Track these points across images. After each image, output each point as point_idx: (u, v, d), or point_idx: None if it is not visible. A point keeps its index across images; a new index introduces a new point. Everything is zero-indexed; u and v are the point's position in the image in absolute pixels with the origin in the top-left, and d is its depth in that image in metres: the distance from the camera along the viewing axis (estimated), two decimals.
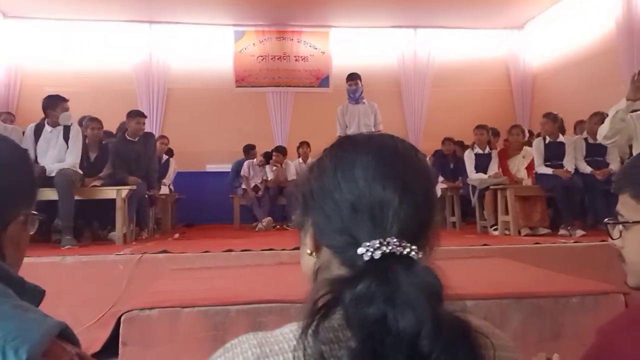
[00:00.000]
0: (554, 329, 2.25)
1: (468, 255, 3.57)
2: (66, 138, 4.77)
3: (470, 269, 3.13)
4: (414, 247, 0.60)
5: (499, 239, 4.68)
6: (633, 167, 1.00)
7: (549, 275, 2.82)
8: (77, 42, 8.83)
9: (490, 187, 5.62)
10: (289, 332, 0.64)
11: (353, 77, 5.94)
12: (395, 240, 0.60)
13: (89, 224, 5.18)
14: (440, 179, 7.09)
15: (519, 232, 5.08)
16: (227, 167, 8.84)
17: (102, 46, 8.90)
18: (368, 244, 0.60)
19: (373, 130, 5.87)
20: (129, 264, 3.36)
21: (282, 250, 3.60)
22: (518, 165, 5.97)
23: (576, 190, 5.04)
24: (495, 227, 5.52)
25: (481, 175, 5.84)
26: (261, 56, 9.19)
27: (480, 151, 6.03)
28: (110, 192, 4.73)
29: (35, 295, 0.84)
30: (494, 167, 5.89)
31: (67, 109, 4.82)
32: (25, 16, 8.53)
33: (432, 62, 9.35)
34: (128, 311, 2.19)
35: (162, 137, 7.67)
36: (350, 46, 9.31)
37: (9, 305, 0.73)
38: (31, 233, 0.94)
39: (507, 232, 5.25)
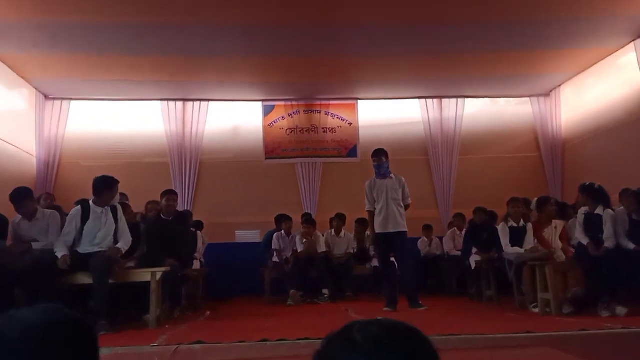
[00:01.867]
0: None
1: (513, 344, 3.44)
2: (115, 218, 4.88)
3: None
4: None
5: (541, 321, 4.51)
6: None
7: None
8: (113, 120, 9.20)
9: (528, 262, 5.48)
10: None
11: (377, 154, 5.99)
12: None
13: (123, 307, 5.19)
14: (474, 250, 6.97)
15: (560, 308, 4.92)
16: (256, 237, 8.89)
17: (136, 122, 9.25)
18: None
19: (402, 204, 5.86)
20: (164, 357, 3.32)
21: (318, 339, 3.52)
22: (551, 236, 5.83)
23: (612, 266, 4.84)
24: (535, 304, 5.34)
25: (517, 250, 5.71)
26: (290, 128, 9.41)
27: (515, 224, 5.93)
28: (145, 275, 4.77)
29: None
30: (530, 240, 5.77)
31: (118, 191, 4.99)
32: (65, 97, 8.96)
33: (459, 130, 9.42)
34: None
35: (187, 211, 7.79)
36: (377, 116, 9.48)
37: None
38: None
39: (547, 310, 5.07)
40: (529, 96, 9.61)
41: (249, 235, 9.15)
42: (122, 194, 6.09)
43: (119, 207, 5.04)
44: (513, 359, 3.12)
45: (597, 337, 3.50)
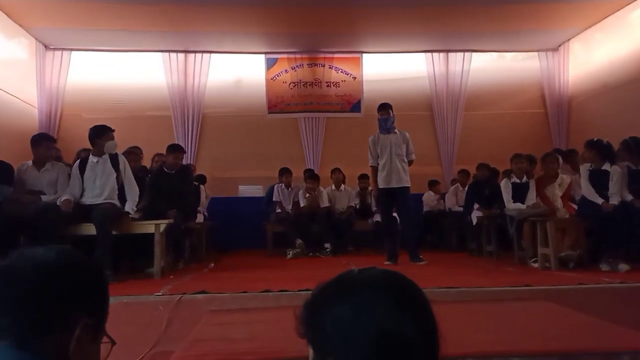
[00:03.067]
0: None
1: (510, 296, 3.49)
2: (115, 167, 4.87)
3: (513, 315, 3.05)
4: None
5: (540, 275, 4.56)
6: None
7: (597, 325, 2.72)
8: (115, 71, 9.08)
9: (529, 218, 5.50)
10: None
11: (384, 107, 5.92)
12: None
13: (126, 258, 5.26)
14: (476, 206, 6.99)
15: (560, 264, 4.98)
16: (259, 192, 8.93)
17: (138, 75, 9.13)
18: None
19: (406, 159, 5.84)
20: (168, 305, 3.39)
21: None
22: (553, 194, 5.83)
23: (618, 222, 4.87)
24: (535, 259, 5.39)
25: (519, 205, 5.72)
26: (293, 82, 9.28)
27: (517, 180, 5.92)
28: (149, 227, 4.81)
29: None
30: (531, 197, 5.77)
31: (112, 138, 4.95)
32: (66, 47, 8.82)
33: (464, 86, 9.28)
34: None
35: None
36: (381, 71, 9.32)
37: None
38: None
39: (547, 265, 5.12)
40: (537, 51, 9.42)
41: (252, 190, 9.18)
42: (135, 147, 6.09)
43: (122, 157, 5.03)
44: (511, 311, 3.17)
45: (595, 291, 3.54)
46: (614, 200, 5.02)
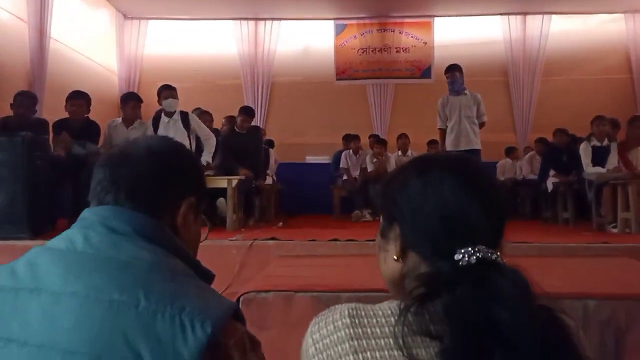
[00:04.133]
0: None
1: (587, 253, 3.36)
2: (186, 126, 5.08)
3: (591, 268, 2.94)
4: (498, 253, 0.69)
5: (619, 237, 4.35)
6: None
7: None
8: (189, 41, 9.36)
9: (610, 182, 5.23)
10: (387, 308, 0.70)
11: (450, 69, 5.75)
12: (484, 247, 0.69)
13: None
14: (552, 172, 6.71)
15: None
16: (326, 159, 9.00)
17: (211, 44, 9.37)
18: (463, 250, 0.68)
19: (476, 122, 5.68)
20: (241, 249, 3.54)
21: None
22: (637, 159, 5.51)
23: None
24: (614, 224, 5.14)
25: (599, 169, 5.44)
26: (362, 49, 9.20)
27: (598, 143, 5.62)
28: (221, 182, 4.99)
29: (207, 277, 0.93)
30: (613, 161, 5.47)
31: (172, 96, 5.14)
32: (143, 17, 9.18)
33: (542, 50, 8.83)
34: (246, 292, 2.30)
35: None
36: (453, 35, 9.03)
37: (193, 285, 0.81)
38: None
39: (627, 231, 4.87)
40: (623, 12, 8.78)
41: (319, 158, 9.27)
42: (204, 112, 6.30)
43: (192, 115, 5.24)
44: (587, 267, 3.05)
45: None
46: None
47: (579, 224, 5.97)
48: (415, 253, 0.76)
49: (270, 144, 8.23)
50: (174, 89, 5.20)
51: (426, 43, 9.12)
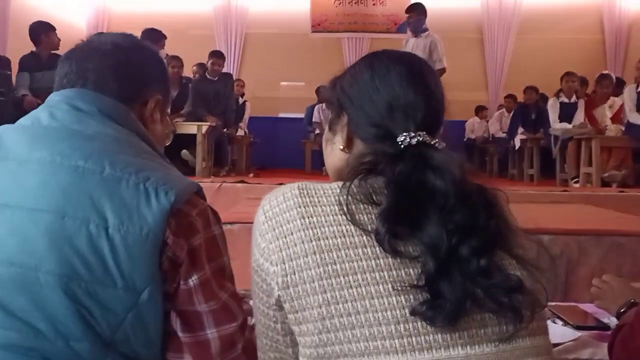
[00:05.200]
0: (634, 267, 2.17)
1: (547, 200, 3.47)
2: None
3: (548, 211, 3.05)
4: (436, 139, 0.75)
5: (579, 189, 4.49)
6: None
7: (632, 218, 2.70)
8: None
9: (574, 137, 5.36)
10: (334, 185, 0.73)
11: (408, 9, 5.64)
12: (424, 133, 0.74)
13: (171, 160, 5.44)
14: (520, 130, 6.82)
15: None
16: (300, 115, 8.95)
17: None
18: (405, 134, 0.74)
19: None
20: (209, 191, 3.54)
21: None
22: (603, 116, 5.64)
23: None
24: (576, 179, 5.29)
25: (565, 125, 5.57)
26: (338, 1, 9.04)
27: (566, 100, 5.73)
28: (191, 128, 4.94)
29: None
30: (579, 117, 5.60)
31: (163, 46, 5.04)
32: None
33: (518, 7, 8.81)
34: None
35: (238, 79, 7.85)
36: None
37: (158, 163, 0.84)
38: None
39: (588, 185, 5.02)
40: None
41: (293, 114, 9.21)
42: (174, 57, 6.14)
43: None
44: (545, 209, 3.16)
45: (636, 197, 3.48)
46: None
47: (544, 180, 6.13)
48: (360, 140, 0.80)
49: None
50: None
51: None
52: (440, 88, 0.84)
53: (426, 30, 5.51)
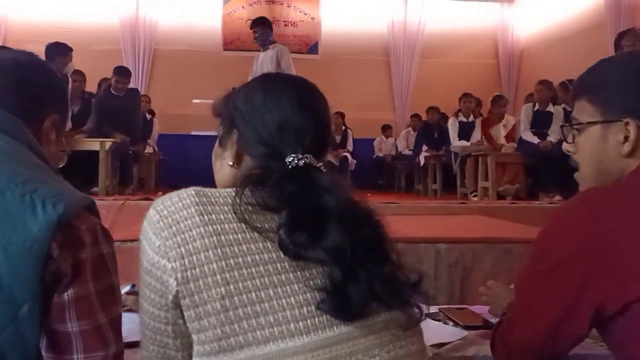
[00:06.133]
0: None
1: (446, 211, 3.66)
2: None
3: (447, 222, 3.21)
4: (321, 163, 0.79)
5: (477, 202, 4.78)
6: (589, 74, 1.03)
7: (522, 227, 2.91)
8: (62, 3, 8.63)
9: (472, 154, 5.71)
10: (229, 189, 0.75)
11: (254, 24, 5.48)
12: (311, 156, 0.78)
13: (71, 179, 5.15)
14: (425, 147, 7.17)
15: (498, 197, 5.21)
16: (212, 132, 8.79)
17: (88, 7, 8.72)
18: (293, 155, 0.77)
19: None
20: (111, 209, 3.39)
21: None
22: (498, 134, 6.07)
23: (557, 161, 5.08)
24: (475, 193, 5.62)
25: (464, 143, 5.93)
26: (250, 19, 9.06)
27: (464, 119, 6.10)
28: (93, 144, 4.72)
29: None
30: (476, 135, 5.98)
31: (71, 59, 4.82)
32: None
33: (421, 33, 9.31)
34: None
35: (144, 95, 7.63)
36: (340, 12, 9.21)
37: (51, 177, 0.82)
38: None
39: (485, 199, 5.35)
40: (492, 1, 9.52)
41: (206, 132, 9.06)
42: (76, 71, 5.87)
43: (69, 77, 4.91)
44: (444, 221, 3.33)
45: (527, 209, 3.76)
46: (553, 138, 5.23)
47: (446, 194, 6.47)
48: (250, 157, 0.83)
49: (153, 113, 7.90)
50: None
51: (314, 19, 9.22)
52: (329, 113, 0.88)
53: (273, 42, 5.51)
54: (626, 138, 0.90)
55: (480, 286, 1.43)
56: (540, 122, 5.36)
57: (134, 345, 0.94)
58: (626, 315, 0.80)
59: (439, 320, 1.40)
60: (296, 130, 0.80)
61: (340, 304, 0.67)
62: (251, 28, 5.50)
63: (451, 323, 1.38)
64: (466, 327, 1.32)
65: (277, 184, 0.74)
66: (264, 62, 5.33)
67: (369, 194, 5.91)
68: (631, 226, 0.80)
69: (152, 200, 3.08)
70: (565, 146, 1.05)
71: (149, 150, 6.98)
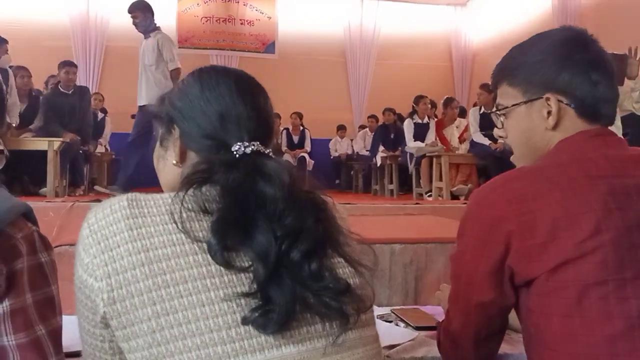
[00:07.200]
0: None
1: (401, 212, 3.71)
2: (5, 82, 4.52)
3: (401, 222, 3.26)
4: (269, 150, 0.78)
5: (431, 202, 4.87)
6: (505, 60, 1.07)
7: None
8: None
9: (427, 155, 5.81)
10: (165, 195, 0.72)
11: (133, 9, 4.85)
12: (257, 142, 0.76)
13: (19, 178, 4.96)
14: (381, 148, 7.25)
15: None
16: None
17: (37, 3, 8.42)
18: (239, 143, 0.75)
19: (158, 70, 4.85)
20: (59, 211, 3.27)
21: None
22: (452, 135, 6.21)
23: (508, 161, 5.24)
24: (429, 193, 5.73)
25: (419, 144, 6.03)
26: (205, 17, 8.98)
27: (420, 121, 6.21)
28: (41, 144, 4.55)
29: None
30: (431, 136, 6.09)
31: (7, 51, 4.59)
32: None
33: (377, 35, 9.43)
34: (58, 246, 2.15)
35: (97, 93, 7.42)
36: (297, 12, 9.21)
37: None
38: None
39: (440, 198, 5.46)
40: (446, 4, 9.72)
41: None
42: (21, 67, 5.64)
43: (10, 75, 4.70)
44: (398, 221, 3.38)
45: None
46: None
47: (402, 194, 6.56)
48: (194, 153, 0.80)
49: (105, 111, 7.69)
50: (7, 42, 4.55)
51: (270, 18, 9.19)
52: (269, 102, 0.86)
53: (155, 29, 4.89)
54: (549, 113, 0.94)
55: (433, 285, 1.45)
56: (487, 125, 5.51)
57: (76, 355, 0.90)
58: (530, 290, 0.85)
59: (390, 322, 1.42)
60: (238, 118, 0.79)
61: (264, 310, 0.64)
62: (129, 12, 4.85)
63: (402, 324, 1.39)
64: (417, 328, 1.34)
65: (222, 177, 0.71)
66: (145, 51, 4.79)
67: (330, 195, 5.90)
68: (546, 209, 0.83)
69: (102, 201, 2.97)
70: (496, 132, 1.08)
71: (100, 149, 6.80)
